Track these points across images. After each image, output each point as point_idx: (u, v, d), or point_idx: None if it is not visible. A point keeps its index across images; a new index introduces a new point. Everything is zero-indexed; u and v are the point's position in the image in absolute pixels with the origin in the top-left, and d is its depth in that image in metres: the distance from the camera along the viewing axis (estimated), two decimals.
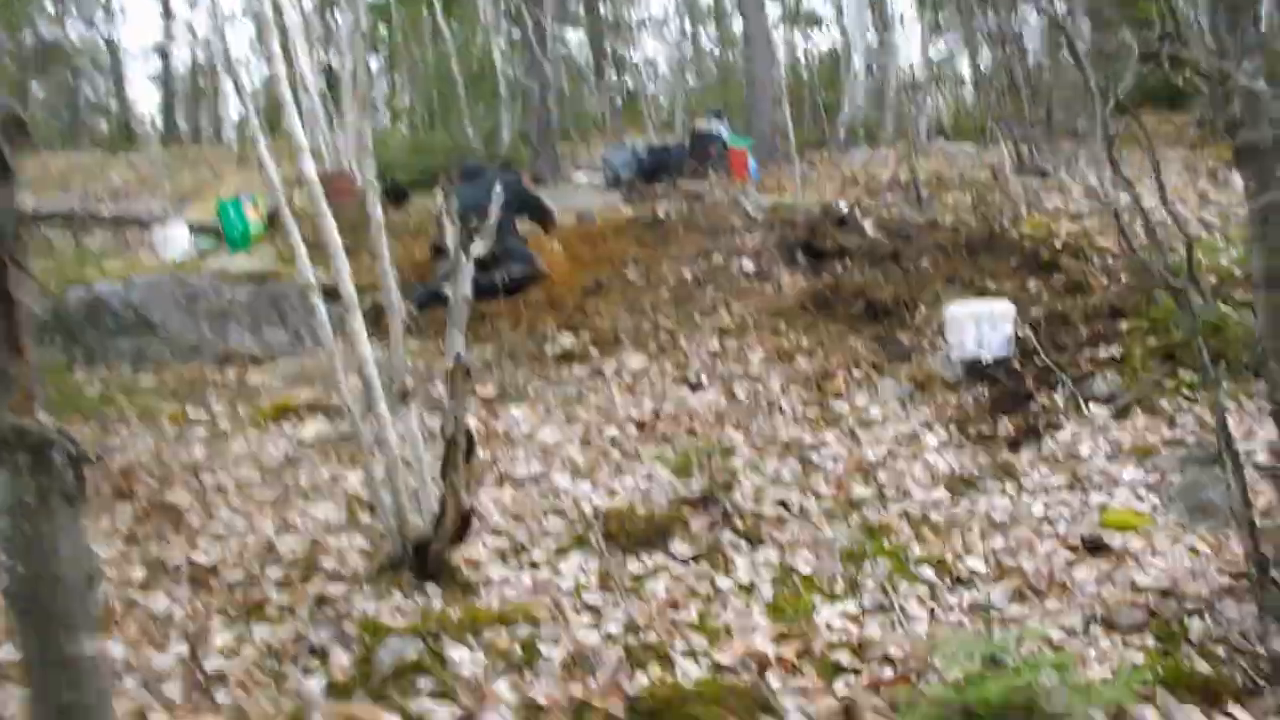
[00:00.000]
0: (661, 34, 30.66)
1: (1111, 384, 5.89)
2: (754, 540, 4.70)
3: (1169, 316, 6.11)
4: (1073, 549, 4.36)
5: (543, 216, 9.50)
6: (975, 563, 4.33)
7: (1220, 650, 3.42)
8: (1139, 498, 4.78)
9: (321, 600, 3.95)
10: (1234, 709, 3.20)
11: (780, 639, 3.77)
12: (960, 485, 5.21)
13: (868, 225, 9.37)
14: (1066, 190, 10.16)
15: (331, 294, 4.18)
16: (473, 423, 5.80)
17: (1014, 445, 5.60)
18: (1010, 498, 5.02)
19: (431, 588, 4.02)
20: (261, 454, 5.59)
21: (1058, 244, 8.22)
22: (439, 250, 8.55)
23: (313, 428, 6.08)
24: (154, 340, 7.95)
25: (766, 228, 9.45)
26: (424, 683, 3.42)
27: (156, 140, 24.05)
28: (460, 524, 4.12)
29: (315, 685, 3.43)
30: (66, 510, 2.14)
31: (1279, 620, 3.42)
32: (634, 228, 9.85)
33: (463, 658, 3.55)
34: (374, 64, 23.79)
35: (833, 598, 4.17)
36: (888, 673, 3.42)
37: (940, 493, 5.15)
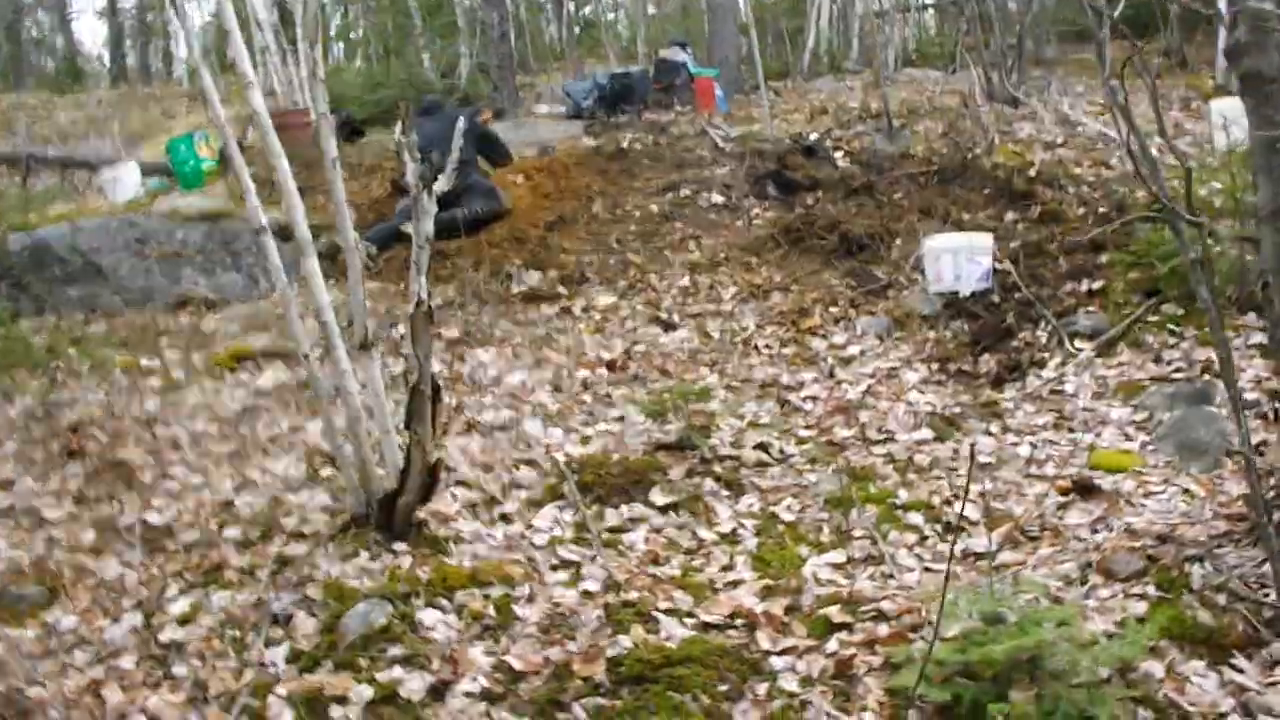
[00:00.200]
0: None
1: (1094, 319, 5.74)
2: (734, 488, 4.54)
3: (1151, 249, 5.96)
4: (1063, 492, 4.23)
5: (498, 156, 9.20)
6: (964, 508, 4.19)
7: (1221, 599, 3.29)
8: (1127, 437, 4.67)
9: (283, 562, 3.74)
10: (1238, 659, 3.09)
11: (767, 593, 3.62)
12: (943, 425, 5.07)
13: (839, 157, 9.15)
14: (1039, 119, 9.96)
15: (286, 235, 3.93)
16: (437, 367, 5.59)
17: (997, 383, 5.48)
18: (995, 438, 4.89)
19: (399, 546, 3.82)
20: (217, 405, 5.33)
21: (1032, 173, 8.04)
22: (399, 188, 8.24)
23: (271, 375, 5.82)
24: (104, 287, 7.62)
25: (735, 159, 9.19)
26: (394, 650, 3.23)
27: (105, 79, 23.31)
28: (427, 477, 3.91)
29: (278, 655, 3.24)
30: None
31: None
32: (598, 160, 9.55)
33: (434, 621, 3.37)
34: None
35: (819, 547, 4.03)
36: (882, 629, 3.27)
37: (924, 433, 5.01)
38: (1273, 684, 2.95)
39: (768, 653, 3.22)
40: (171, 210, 8.50)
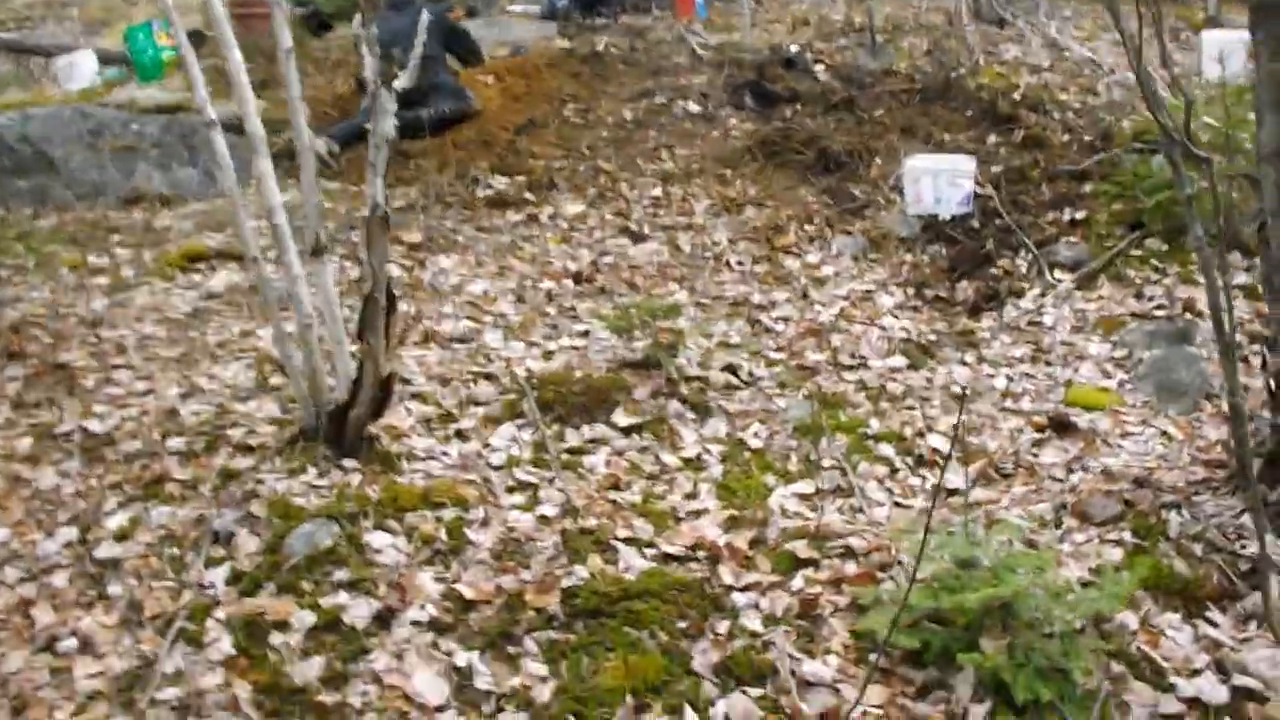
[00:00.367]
0: None
1: (1076, 250, 5.60)
2: (701, 411, 4.39)
3: (1136, 181, 5.80)
4: (1039, 428, 4.13)
5: (468, 54, 8.87)
6: (937, 440, 4.08)
7: (1198, 549, 3.20)
8: (1105, 374, 4.56)
9: (228, 476, 3.56)
10: (1213, 612, 3.01)
11: (731, 525, 3.50)
12: (918, 353, 4.94)
13: (819, 70, 8.88)
14: (1026, 41, 9.71)
15: (242, 130, 3.69)
16: (395, 272, 5.37)
17: (974, 311, 5.34)
18: (971, 368, 4.77)
19: (349, 462, 3.64)
20: (166, 306, 5.10)
21: (1017, 96, 7.83)
22: (363, 84, 7.91)
23: (224, 277, 5.59)
24: (54, 179, 7.28)
25: (713, 68, 8.89)
26: (339, 573, 3.09)
27: None
28: (380, 391, 3.73)
29: (218, 576, 3.09)
30: None
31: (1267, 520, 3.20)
32: (571, 63, 9.22)
33: (383, 544, 3.22)
34: None
35: (787, 477, 3.90)
36: (850, 568, 3.16)
37: (897, 360, 4.88)
38: (1246, 639, 2.87)
39: (730, 588, 3.10)
40: (128, 100, 8.12)
